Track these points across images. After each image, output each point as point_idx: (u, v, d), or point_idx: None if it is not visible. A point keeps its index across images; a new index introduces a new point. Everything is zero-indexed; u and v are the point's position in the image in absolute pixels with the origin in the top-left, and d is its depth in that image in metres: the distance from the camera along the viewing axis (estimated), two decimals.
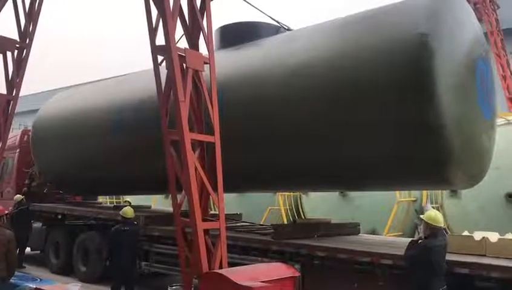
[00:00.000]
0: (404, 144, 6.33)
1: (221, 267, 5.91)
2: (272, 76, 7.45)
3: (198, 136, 6.22)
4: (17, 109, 9.71)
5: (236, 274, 5.47)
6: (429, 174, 6.49)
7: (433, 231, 5.70)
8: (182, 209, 6.27)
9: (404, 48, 6.17)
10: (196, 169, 5.94)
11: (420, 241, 5.88)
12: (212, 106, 6.32)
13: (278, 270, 5.96)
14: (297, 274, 6.06)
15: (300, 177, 7.80)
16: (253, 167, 7.92)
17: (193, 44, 6.46)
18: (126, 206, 9.85)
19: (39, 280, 9.32)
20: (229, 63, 8.07)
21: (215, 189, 6.24)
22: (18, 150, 13.78)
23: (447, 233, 7.08)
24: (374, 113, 6.42)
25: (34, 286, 7.93)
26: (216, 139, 6.25)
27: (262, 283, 5.30)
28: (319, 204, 12.53)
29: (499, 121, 11.24)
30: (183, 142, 5.83)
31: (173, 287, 6.38)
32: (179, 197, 6.22)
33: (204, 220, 5.98)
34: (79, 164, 11.12)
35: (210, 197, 6.28)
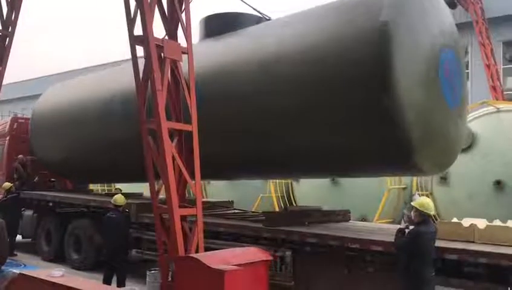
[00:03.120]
0: (368, 131, 6.48)
1: (197, 252, 6.05)
2: (243, 67, 7.64)
3: (175, 124, 6.33)
4: (7, 96, 9.72)
5: (209, 258, 5.62)
6: (393, 160, 6.64)
7: (424, 217, 5.77)
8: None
9: (365, 37, 6.32)
10: (173, 157, 6.04)
11: (406, 229, 5.92)
12: (189, 95, 6.40)
13: (252, 254, 6.08)
14: (270, 258, 6.18)
15: (278, 164, 8.00)
16: (228, 155, 8.02)
17: (172, 34, 6.51)
18: (117, 193, 9.85)
19: (23, 265, 9.34)
20: (206, 53, 8.14)
21: (193, 176, 6.35)
22: (8, 138, 13.70)
23: (435, 221, 7.17)
24: (339, 100, 6.59)
25: (18, 272, 7.95)
26: (193, 128, 6.35)
27: (234, 266, 5.41)
28: (310, 191, 12.60)
29: (489, 109, 11.36)
30: (159, 130, 5.95)
31: (152, 272, 6.50)
32: (158, 184, 6.32)
33: (181, 206, 6.10)
34: (74, 152, 11.25)
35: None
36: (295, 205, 12.85)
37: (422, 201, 5.91)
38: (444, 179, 10.84)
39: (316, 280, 7.22)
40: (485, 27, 19.63)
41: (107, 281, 8.38)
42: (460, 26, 21.39)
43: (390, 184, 11.28)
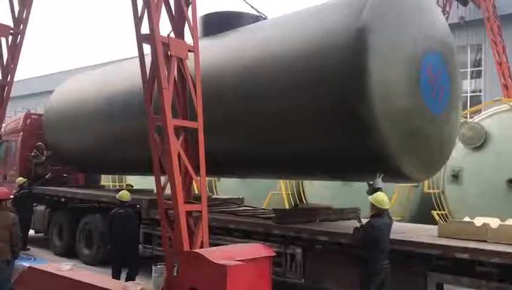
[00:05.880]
0: (346, 138, 6.48)
1: (202, 247, 6.11)
2: (231, 68, 7.80)
3: (181, 122, 6.40)
4: (21, 92, 9.86)
5: (212, 253, 5.70)
6: (374, 168, 6.57)
7: (379, 211, 6.06)
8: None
9: (341, 43, 6.31)
10: (179, 154, 6.13)
11: (361, 228, 6.19)
12: (195, 93, 6.48)
13: (255, 250, 6.16)
14: (273, 254, 6.24)
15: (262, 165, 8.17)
16: (221, 154, 8.03)
17: (178, 32, 6.58)
18: (129, 190, 9.93)
19: (33, 259, 9.48)
20: (207, 51, 8.20)
21: (198, 173, 6.42)
22: (21, 133, 13.84)
23: (446, 219, 7.11)
24: (317, 107, 6.59)
25: (28, 265, 8.06)
26: (199, 125, 6.43)
27: (237, 262, 5.48)
28: (321, 189, 12.57)
29: (502, 107, 11.23)
30: (165, 128, 6.03)
31: (158, 267, 6.57)
32: (164, 180, 6.40)
33: (186, 202, 6.19)
34: (86, 143, 11.42)
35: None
36: (305, 202, 12.83)
37: (377, 197, 6.09)
38: (456, 177, 10.75)
39: (327, 277, 7.21)
40: (497, 24, 19.45)
41: (115, 276, 8.41)
42: (472, 24, 21.30)
43: None
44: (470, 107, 18.09)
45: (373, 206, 6.10)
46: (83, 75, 13.59)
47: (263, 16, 9.08)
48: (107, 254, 10.22)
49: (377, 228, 5.97)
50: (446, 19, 16.78)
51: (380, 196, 6.12)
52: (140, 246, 9.59)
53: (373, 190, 6.35)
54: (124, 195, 8.89)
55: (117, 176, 16.21)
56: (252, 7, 9.05)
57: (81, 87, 12.05)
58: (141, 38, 6.31)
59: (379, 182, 6.37)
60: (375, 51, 6.09)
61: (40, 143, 13.22)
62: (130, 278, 8.37)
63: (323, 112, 6.56)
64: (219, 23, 8.91)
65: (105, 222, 10.63)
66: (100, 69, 12.78)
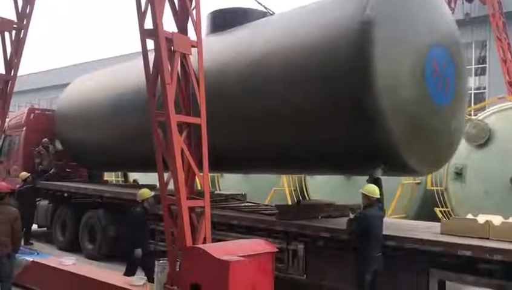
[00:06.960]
0: (351, 131, 6.50)
1: (205, 243, 6.13)
2: (234, 65, 7.85)
3: (184, 118, 6.39)
4: (24, 87, 9.90)
5: (215, 249, 5.73)
6: (380, 160, 6.60)
7: (371, 201, 6.30)
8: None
9: (346, 35, 6.34)
10: (182, 150, 6.13)
11: (355, 218, 6.40)
12: (199, 89, 6.47)
13: (257, 246, 6.20)
14: (275, 250, 6.28)
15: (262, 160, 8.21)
16: (226, 149, 8.04)
17: (182, 28, 6.56)
18: (134, 185, 9.88)
19: (36, 253, 9.53)
20: (208, 49, 8.20)
21: (201, 169, 6.43)
22: (25, 128, 13.85)
23: (449, 217, 7.11)
24: (321, 99, 6.62)
25: (31, 259, 8.09)
26: (202, 121, 6.42)
27: (239, 257, 5.51)
28: (323, 185, 12.57)
29: (506, 104, 11.19)
30: (169, 124, 6.03)
31: (161, 262, 6.60)
32: (167, 176, 6.41)
33: (189, 198, 6.20)
34: (99, 141, 11.57)
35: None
36: (307, 198, 12.83)
37: (369, 188, 6.34)
38: (459, 175, 10.73)
39: (328, 274, 7.21)
40: (502, 21, 19.37)
41: (128, 273, 8.31)
42: (477, 20, 21.20)
43: (404, 179, 11.18)
44: (474, 104, 18.03)
45: (364, 196, 6.31)
46: (96, 72, 13.64)
47: (270, 12, 9.08)
48: (112, 248, 10.22)
49: (369, 217, 6.19)
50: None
51: (371, 187, 6.34)
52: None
53: (372, 179, 6.51)
54: (146, 193, 8.62)
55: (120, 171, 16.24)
56: (259, 3, 9.06)
57: (93, 85, 12.15)
58: (144, 34, 6.29)
59: (378, 172, 6.56)
60: (379, 44, 6.10)
61: (46, 139, 13.23)
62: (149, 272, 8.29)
63: (328, 106, 6.58)
64: (227, 20, 8.95)
65: (109, 217, 10.70)
66: (114, 66, 12.82)
